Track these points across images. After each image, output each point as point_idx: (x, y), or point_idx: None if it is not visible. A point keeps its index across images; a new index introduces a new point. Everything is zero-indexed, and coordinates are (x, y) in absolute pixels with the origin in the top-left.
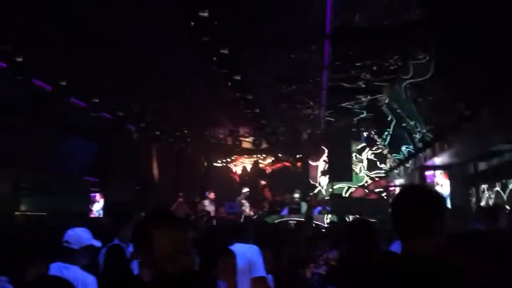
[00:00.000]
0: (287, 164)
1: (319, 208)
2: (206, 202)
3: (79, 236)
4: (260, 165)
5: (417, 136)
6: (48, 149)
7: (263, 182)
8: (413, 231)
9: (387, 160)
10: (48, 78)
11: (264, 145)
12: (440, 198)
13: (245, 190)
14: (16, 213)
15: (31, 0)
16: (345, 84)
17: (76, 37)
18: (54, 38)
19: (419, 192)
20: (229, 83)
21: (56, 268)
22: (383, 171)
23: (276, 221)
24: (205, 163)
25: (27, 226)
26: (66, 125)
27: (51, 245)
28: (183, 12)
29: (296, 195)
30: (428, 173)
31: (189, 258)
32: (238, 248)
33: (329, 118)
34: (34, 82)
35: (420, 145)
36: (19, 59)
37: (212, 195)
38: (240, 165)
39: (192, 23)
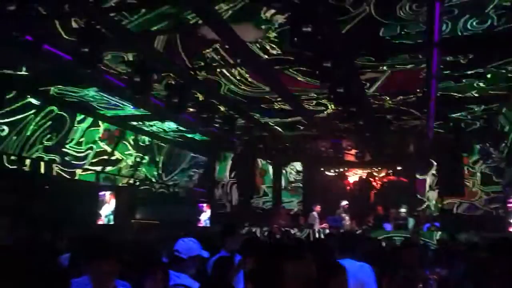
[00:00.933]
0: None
1: (428, 225)
2: (315, 215)
3: (188, 246)
4: (375, 177)
5: None
6: (162, 162)
7: (372, 195)
8: None
9: (505, 174)
10: (161, 98)
11: (367, 158)
12: None
13: (344, 203)
14: (132, 221)
15: None
16: (455, 94)
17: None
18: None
19: None
20: (332, 96)
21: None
22: (499, 186)
23: (381, 237)
24: (304, 175)
25: (142, 233)
26: (177, 140)
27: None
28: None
29: (403, 210)
30: None
31: None
32: (349, 265)
33: (438, 130)
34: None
35: None
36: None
37: (318, 208)
38: (353, 176)
39: (295, 39)
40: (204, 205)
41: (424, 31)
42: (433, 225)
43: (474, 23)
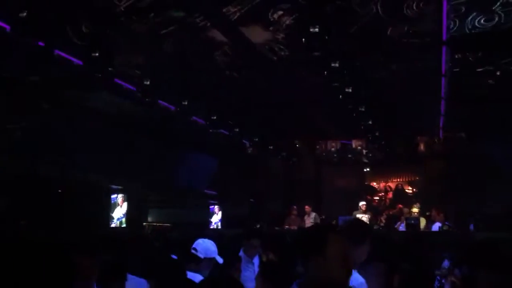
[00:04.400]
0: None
1: (439, 224)
2: (313, 215)
3: (207, 247)
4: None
5: None
6: (172, 165)
7: (390, 195)
8: None
9: None
10: (171, 99)
11: (378, 158)
12: None
13: (362, 203)
14: (144, 223)
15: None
16: (467, 92)
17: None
18: (175, 62)
19: None
20: (340, 96)
21: None
22: None
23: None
24: (316, 176)
25: (154, 235)
26: (188, 142)
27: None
28: (295, 29)
29: (415, 210)
30: None
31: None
32: None
33: (449, 129)
34: (160, 103)
35: None
36: (147, 82)
37: (306, 208)
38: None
39: (303, 39)
40: (216, 207)
41: (432, 29)
42: (445, 224)
43: (482, 21)
